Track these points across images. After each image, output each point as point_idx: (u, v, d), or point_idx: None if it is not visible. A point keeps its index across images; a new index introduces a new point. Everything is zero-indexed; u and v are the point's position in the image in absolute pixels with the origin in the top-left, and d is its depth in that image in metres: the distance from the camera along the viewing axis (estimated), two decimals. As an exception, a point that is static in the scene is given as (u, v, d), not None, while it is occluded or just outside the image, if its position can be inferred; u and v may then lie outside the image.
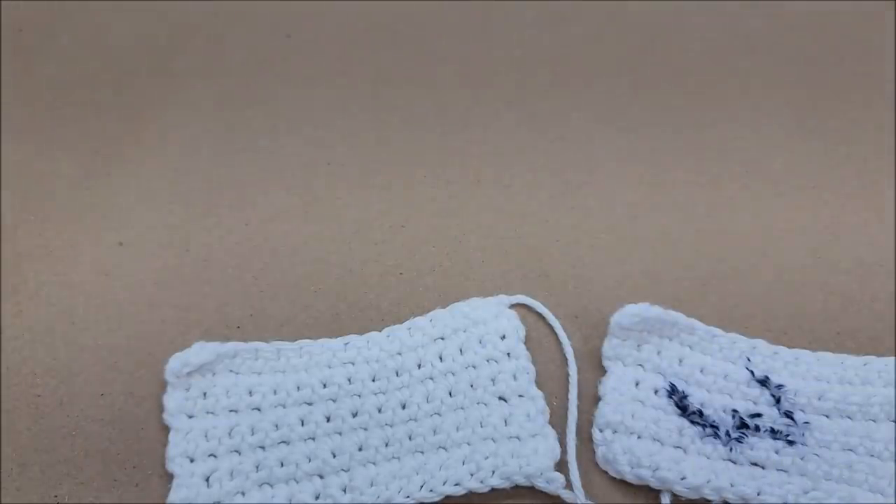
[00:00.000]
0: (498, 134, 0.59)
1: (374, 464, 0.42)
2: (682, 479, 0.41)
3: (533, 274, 0.51)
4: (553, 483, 0.41)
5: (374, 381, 0.44)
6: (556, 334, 0.48)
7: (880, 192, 0.55)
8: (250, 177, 0.56)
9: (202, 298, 0.49)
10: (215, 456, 0.41)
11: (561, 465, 0.42)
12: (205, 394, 0.43)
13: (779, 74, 0.63)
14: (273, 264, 0.51)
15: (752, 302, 0.50)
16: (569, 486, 0.42)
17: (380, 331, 0.47)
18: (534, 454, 0.42)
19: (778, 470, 0.42)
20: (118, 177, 0.55)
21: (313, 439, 0.42)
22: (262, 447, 0.42)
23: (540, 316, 0.49)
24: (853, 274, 0.51)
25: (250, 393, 0.43)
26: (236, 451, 0.42)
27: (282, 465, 0.41)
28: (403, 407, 0.44)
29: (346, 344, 0.46)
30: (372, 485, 0.41)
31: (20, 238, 0.52)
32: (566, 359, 0.46)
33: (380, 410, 0.43)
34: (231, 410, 0.43)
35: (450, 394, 0.44)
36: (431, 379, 0.45)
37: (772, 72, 0.63)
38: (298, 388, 0.44)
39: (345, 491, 0.41)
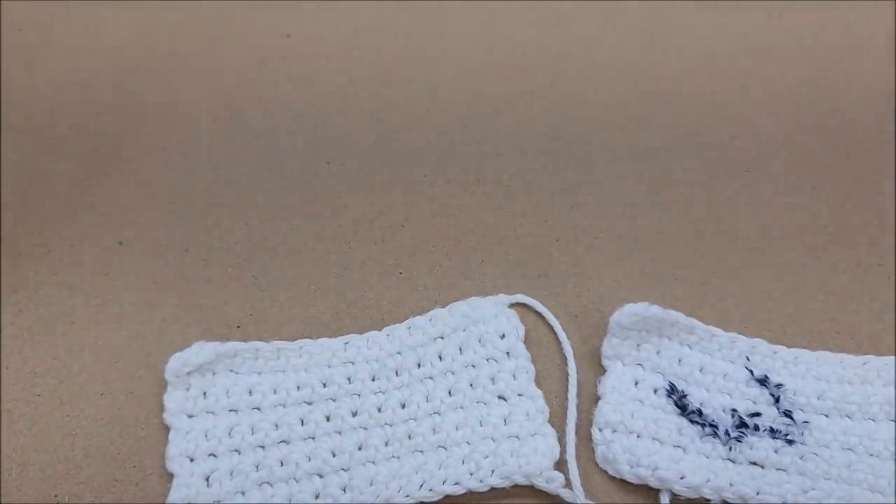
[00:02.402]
0: (498, 134, 0.59)
1: (373, 463, 0.42)
2: (682, 478, 0.41)
3: (532, 273, 0.51)
4: (553, 482, 0.41)
5: (373, 380, 0.44)
6: (555, 334, 0.48)
7: (880, 192, 0.55)
8: (250, 176, 0.56)
9: (202, 298, 0.49)
10: (215, 455, 0.41)
11: (560, 465, 0.42)
12: (205, 393, 0.43)
13: (779, 74, 0.63)
14: (273, 264, 0.51)
15: (751, 302, 0.50)
16: (568, 485, 0.42)
17: (380, 330, 0.47)
18: (533, 453, 0.42)
19: (777, 469, 0.42)
20: (118, 176, 0.55)
21: (313, 439, 0.42)
22: (262, 447, 0.42)
23: (539, 315, 0.49)
24: (853, 274, 0.51)
25: (250, 392, 0.43)
26: (236, 451, 0.42)
27: (282, 464, 0.41)
28: (403, 406, 0.44)
29: (346, 343, 0.46)
30: (371, 484, 0.41)
31: (20, 238, 0.52)
32: (565, 358, 0.46)
33: (379, 410, 0.43)
34: (231, 410, 0.43)
35: (449, 393, 0.44)
36: (431, 378, 0.45)
37: (772, 72, 0.63)
38: (298, 387, 0.44)
39: (344, 490, 0.41)
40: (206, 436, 0.42)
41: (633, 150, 0.58)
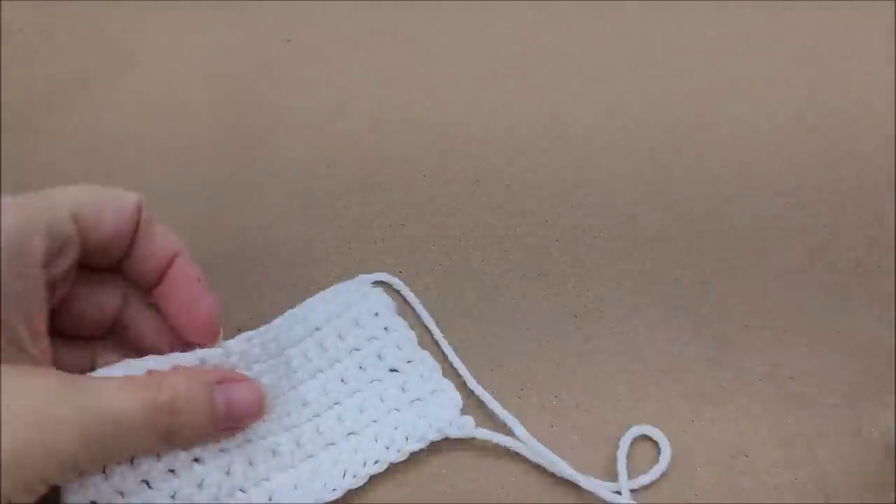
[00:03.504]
0: (498, 133, 0.59)
1: (291, 467, 0.41)
2: None
3: (532, 273, 0.51)
4: (464, 428, 0.43)
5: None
6: (418, 315, 0.49)
7: (880, 193, 0.55)
8: (251, 181, 0.56)
9: (203, 302, 0.49)
10: (122, 494, 0.38)
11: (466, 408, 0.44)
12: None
13: (779, 74, 0.63)
14: (273, 266, 0.51)
15: (751, 302, 0.50)
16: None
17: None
18: (439, 408, 0.43)
19: None
20: (118, 179, 0.55)
21: (225, 451, 0.40)
22: (173, 470, 0.39)
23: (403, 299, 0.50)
24: (853, 274, 0.51)
25: None
26: (145, 482, 0.38)
27: (200, 486, 0.39)
28: (304, 405, 0.43)
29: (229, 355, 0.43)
30: (296, 488, 0.40)
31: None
32: (432, 336, 0.48)
33: (287, 415, 0.43)
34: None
35: (343, 381, 0.44)
36: (321, 371, 0.45)
37: (772, 71, 0.63)
38: None
39: (271, 499, 0.40)
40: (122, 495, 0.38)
41: (633, 150, 0.58)
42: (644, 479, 0.43)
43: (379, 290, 0.48)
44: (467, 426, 0.43)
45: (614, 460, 0.43)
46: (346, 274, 0.51)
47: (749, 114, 0.60)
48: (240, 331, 0.47)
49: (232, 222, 0.53)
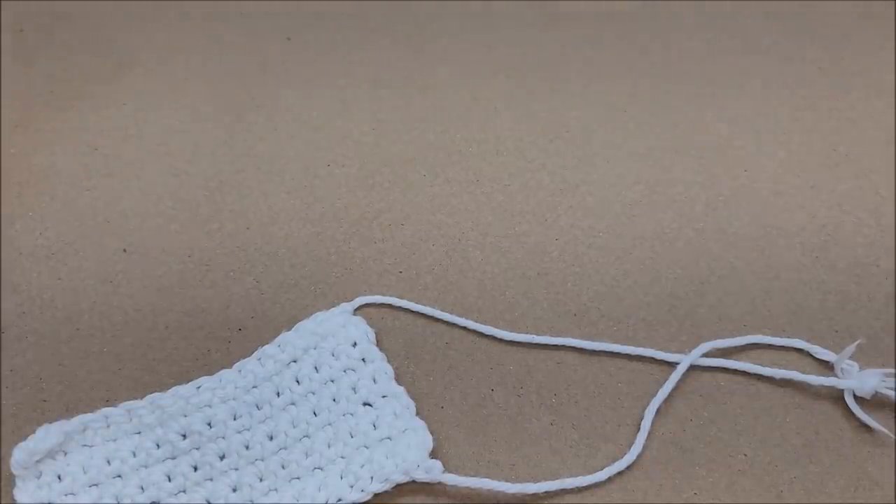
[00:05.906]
0: (498, 134, 0.59)
1: (252, 503, 0.41)
2: None
3: (532, 273, 0.51)
4: (431, 471, 0.42)
5: (235, 419, 0.43)
6: (416, 312, 0.49)
7: (880, 192, 0.56)
8: (251, 181, 0.56)
9: (204, 303, 0.49)
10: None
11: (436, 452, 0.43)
12: (59, 476, 0.41)
13: (779, 74, 0.63)
14: (273, 266, 0.51)
15: (751, 302, 0.50)
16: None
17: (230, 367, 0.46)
18: (407, 449, 0.42)
19: None
20: (120, 181, 0.56)
21: (184, 492, 0.41)
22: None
23: (391, 307, 0.49)
24: (852, 274, 0.51)
25: (108, 462, 0.41)
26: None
27: None
28: (271, 438, 0.43)
29: (199, 388, 0.44)
30: None
31: (21, 236, 0.52)
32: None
33: (247, 447, 0.42)
34: (92, 485, 0.41)
35: (314, 413, 0.44)
36: (293, 404, 0.44)
37: (772, 71, 0.63)
38: (158, 445, 0.42)
39: None
40: None
41: (634, 152, 0.58)
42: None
43: (359, 318, 0.48)
44: (434, 470, 0.42)
45: (613, 459, 0.43)
46: (347, 272, 0.51)
47: (749, 114, 0.60)
48: (240, 330, 0.48)
49: (232, 222, 0.53)
